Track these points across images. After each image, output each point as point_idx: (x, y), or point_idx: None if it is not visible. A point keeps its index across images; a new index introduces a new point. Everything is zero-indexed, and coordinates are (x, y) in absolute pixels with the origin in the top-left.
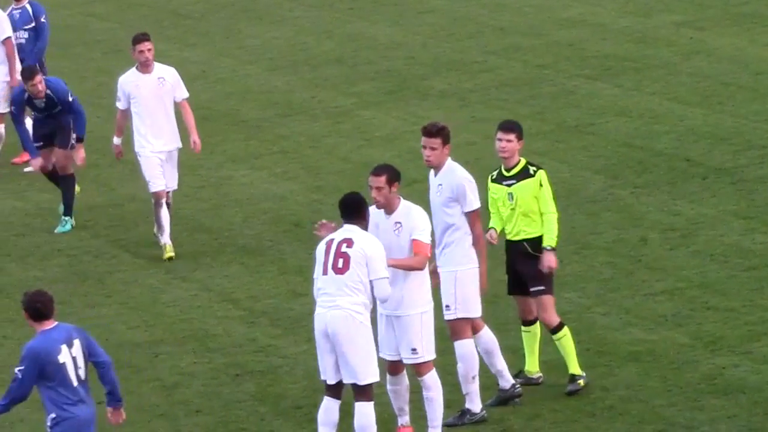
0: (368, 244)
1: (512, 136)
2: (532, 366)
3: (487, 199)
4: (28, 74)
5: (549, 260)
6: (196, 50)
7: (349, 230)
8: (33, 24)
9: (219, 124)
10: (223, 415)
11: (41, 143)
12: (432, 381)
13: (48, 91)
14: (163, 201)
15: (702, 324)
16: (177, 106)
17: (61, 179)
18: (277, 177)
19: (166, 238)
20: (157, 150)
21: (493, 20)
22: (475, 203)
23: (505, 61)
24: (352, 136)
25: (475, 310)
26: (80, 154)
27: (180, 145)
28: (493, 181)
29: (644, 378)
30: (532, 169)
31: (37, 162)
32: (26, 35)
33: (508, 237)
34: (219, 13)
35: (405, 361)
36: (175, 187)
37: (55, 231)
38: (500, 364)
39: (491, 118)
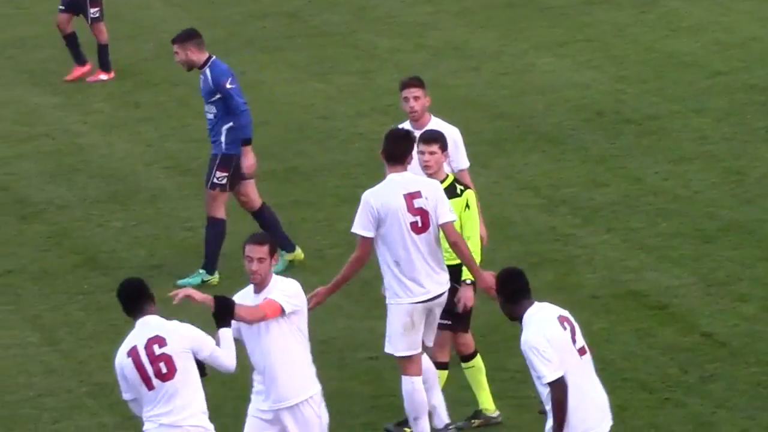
0: (178, 331)
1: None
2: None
3: None
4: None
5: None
6: None
7: (148, 324)
8: None
9: (524, 11)
10: None
11: None
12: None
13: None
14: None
15: None
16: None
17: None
18: (580, 65)
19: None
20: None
21: None
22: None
23: None
24: (658, 26)
25: (400, 348)
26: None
27: None
28: None
29: None
30: (459, 188)
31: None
32: None
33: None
34: None
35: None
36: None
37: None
38: (435, 399)
39: None
